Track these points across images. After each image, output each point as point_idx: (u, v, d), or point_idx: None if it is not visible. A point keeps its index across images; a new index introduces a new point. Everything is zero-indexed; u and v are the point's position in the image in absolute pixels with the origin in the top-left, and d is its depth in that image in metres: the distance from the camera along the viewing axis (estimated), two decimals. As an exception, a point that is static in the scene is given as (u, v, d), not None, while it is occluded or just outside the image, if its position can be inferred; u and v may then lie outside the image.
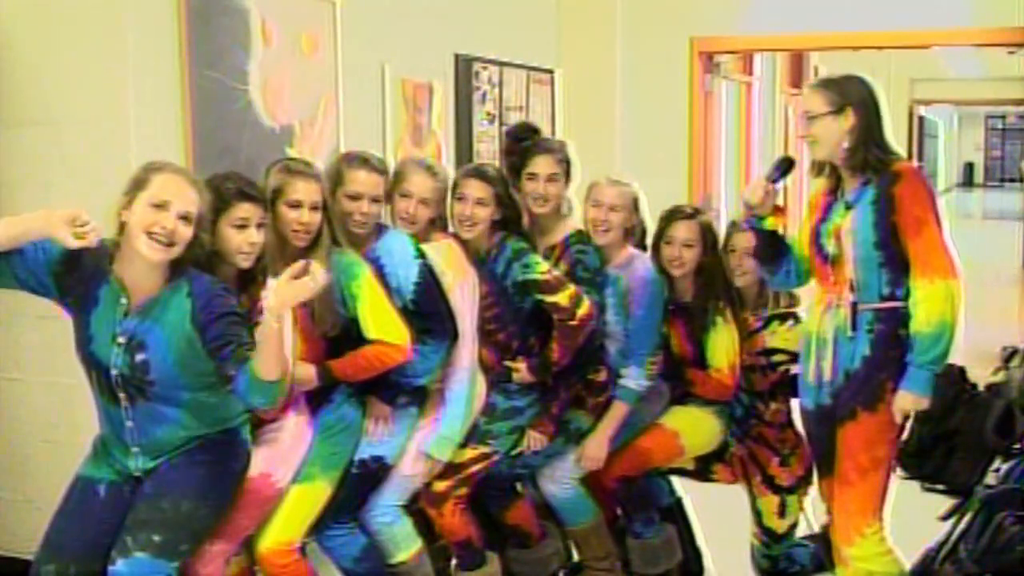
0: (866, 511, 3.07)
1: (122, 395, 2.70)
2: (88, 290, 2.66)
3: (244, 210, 2.82)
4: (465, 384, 3.29)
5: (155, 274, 2.68)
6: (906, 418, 3.12)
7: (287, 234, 2.96)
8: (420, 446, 3.24)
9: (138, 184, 2.64)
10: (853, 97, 3.02)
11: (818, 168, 3.16)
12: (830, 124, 3.02)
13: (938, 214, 2.99)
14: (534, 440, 3.41)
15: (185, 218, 2.63)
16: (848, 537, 3.08)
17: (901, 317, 3.00)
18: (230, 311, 2.66)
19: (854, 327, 3.04)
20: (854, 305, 3.04)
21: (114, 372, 2.68)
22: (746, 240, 3.43)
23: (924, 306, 2.94)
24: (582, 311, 3.28)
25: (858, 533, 3.07)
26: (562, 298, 3.28)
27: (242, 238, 2.82)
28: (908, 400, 3.00)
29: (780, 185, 3.22)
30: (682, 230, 3.50)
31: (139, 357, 2.66)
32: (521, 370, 3.35)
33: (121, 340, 2.66)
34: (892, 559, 3.12)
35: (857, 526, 3.07)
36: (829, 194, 3.15)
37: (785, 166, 3.21)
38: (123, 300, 2.67)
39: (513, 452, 3.41)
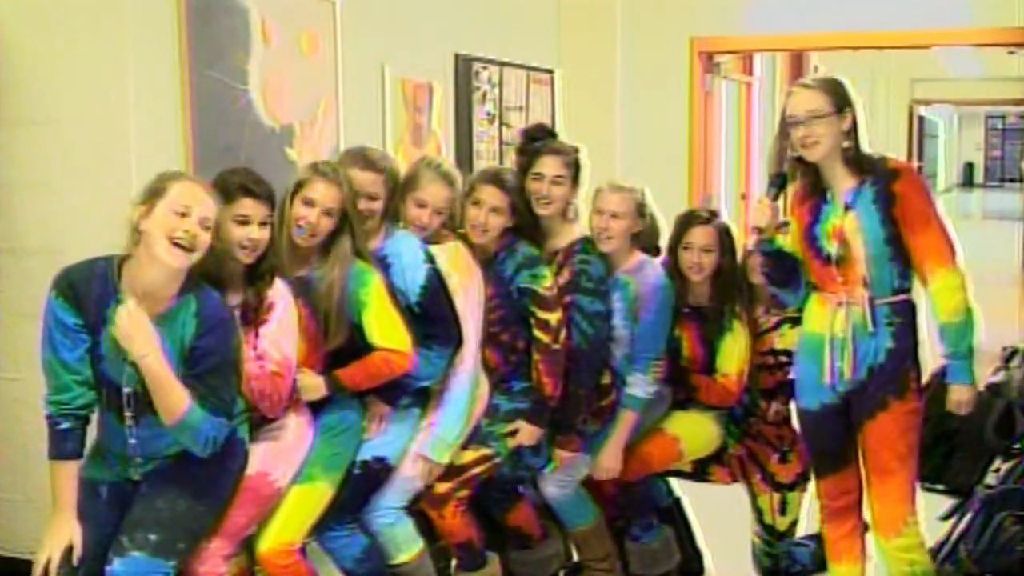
0: (907, 499, 3.08)
1: (128, 413, 2.70)
2: (98, 311, 2.65)
3: (246, 206, 2.84)
4: (465, 387, 3.27)
5: (170, 284, 2.67)
6: None
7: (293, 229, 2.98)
8: (420, 448, 3.24)
9: (156, 192, 2.65)
10: (848, 98, 3.06)
11: (776, 177, 3.14)
12: (834, 124, 3.02)
13: (936, 206, 3.05)
14: (562, 459, 3.41)
15: (205, 225, 2.65)
16: (895, 528, 3.07)
17: (913, 308, 3.07)
18: (219, 356, 2.69)
19: (874, 323, 3.04)
20: (871, 301, 3.04)
21: (126, 390, 2.68)
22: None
23: (944, 296, 2.99)
24: (563, 336, 3.29)
25: (903, 523, 3.06)
26: (553, 318, 3.28)
27: (242, 233, 2.83)
28: (962, 392, 3.07)
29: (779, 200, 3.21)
30: (701, 236, 3.50)
31: None
32: (523, 428, 3.33)
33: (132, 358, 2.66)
34: (926, 550, 3.14)
35: (903, 515, 3.07)
36: (810, 196, 3.13)
37: (780, 181, 3.19)
38: None
39: (538, 469, 3.42)
